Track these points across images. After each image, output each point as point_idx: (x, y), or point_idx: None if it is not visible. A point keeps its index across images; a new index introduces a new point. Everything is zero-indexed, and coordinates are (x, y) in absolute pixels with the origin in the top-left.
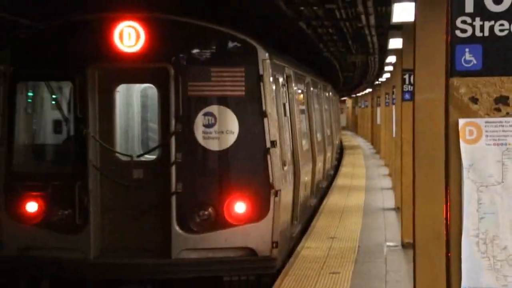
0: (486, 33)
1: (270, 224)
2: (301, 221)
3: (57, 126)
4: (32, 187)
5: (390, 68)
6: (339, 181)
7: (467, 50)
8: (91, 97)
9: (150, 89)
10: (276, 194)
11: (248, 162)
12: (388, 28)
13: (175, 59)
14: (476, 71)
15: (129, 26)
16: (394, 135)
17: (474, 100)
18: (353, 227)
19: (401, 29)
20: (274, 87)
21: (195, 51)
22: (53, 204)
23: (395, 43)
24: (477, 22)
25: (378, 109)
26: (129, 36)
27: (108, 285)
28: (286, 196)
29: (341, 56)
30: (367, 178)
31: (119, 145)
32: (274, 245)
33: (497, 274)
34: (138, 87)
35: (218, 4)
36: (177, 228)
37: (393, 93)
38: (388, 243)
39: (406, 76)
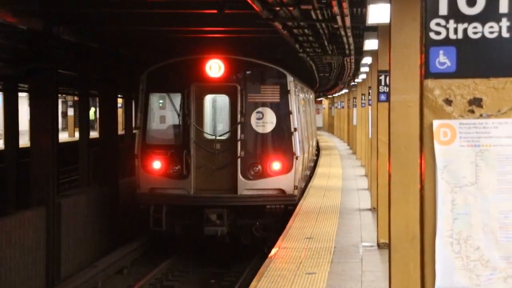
0: (460, 36)
1: (293, 175)
2: (305, 178)
3: (174, 117)
4: (157, 152)
5: (366, 69)
6: (316, 181)
7: (441, 52)
8: (192, 102)
9: (222, 97)
10: (296, 158)
11: (281, 139)
12: (364, 30)
13: (241, 81)
14: (450, 73)
15: (215, 62)
16: (370, 136)
17: (448, 102)
18: (329, 228)
19: (376, 30)
20: (294, 96)
21: (251, 76)
22: (170, 162)
23: (371, 44)
24: (451, 24)
25: (354, 110)
26: (214, 68)
27: (202, 209)
28: (301, 160)
29: (317, 57)
30: (343, 179)
31: (207, 129)
32: (295, 187)
33: (470, 274)
34: (215, 97)
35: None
36: (241, 176)
37: (369, 94)
38: (364, 244)
39: (382, 77)
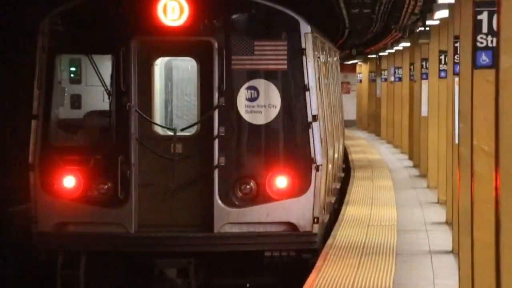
0: None
1: (311, 199)
2: (330, 210)
3: (99, 98)
4: (69, 160)
5: None
6: (343, 235)
7: None
8: (134, 71)
9: (184, 62)
10: (317, 169)
11: (290, 136)
12: None
13: (219, 32)
14: None
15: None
16: (456, 140)
17: None
18: None
19: None
20: (313, 60)
21: (238, 23)
22: (93, 177)
23: None
24: None
25: (424, 86)
26: (172, 10)
27: (150, 260)
28: (324, 173)
29: None
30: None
31: (159, 119)
32: (315, 220)
33: None
34: (174, 61)
35: None
36: (219, 201)
37: (455, 51)
38: None
39: (483, 16)
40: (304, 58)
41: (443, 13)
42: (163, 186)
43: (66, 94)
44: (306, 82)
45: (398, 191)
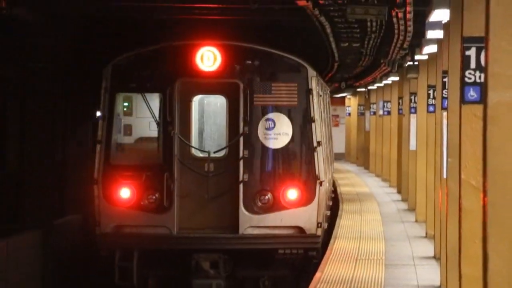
0: None
1: (316, 207)
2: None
3: (150, 127)
4: (126, 176)
5: (438, 34)
6: (331, 269)
7: None
8: (177, 105)
9: (216, 99)
10: (320, 184)
11: (299, 158)
12: None
13: (244, 76)
14: None
15: (209, 50)
16: (445, 175)
17: None
18: None
19: None
20: (317, 98)
21: (258, 69)
22: (144, 190)
23: None
24: None
25: (413, 119)
26: (208, 59)
27: (189, 255)
28: (325, 188)
29: (335, 8)
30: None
31: (197, 143)
32: (318, 225)
33: None
34: (208, 98)
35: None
36: (243, 209)
37: (443, 86)
38: None
39: (471, 52)
40: (310, 96)
41: (432, 48)
42: (198, 197)
43: (117, 124)
44: (312, 115)
45: (386, 225)
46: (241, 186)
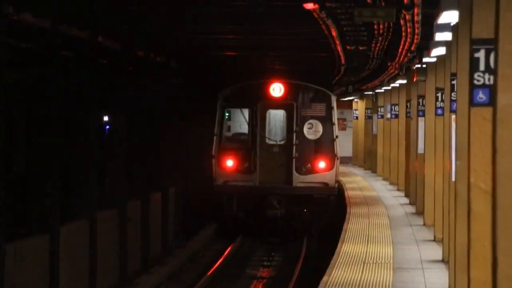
0: None
1: (334, 172)
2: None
3: (244, 127)
4: (230, 153)
5: (446, 36)
6: (338, 273)
7: None
8: (259, 115)
9: (280, 111)
10: (337, 159)
11: (326, 144)
12: None
13: (296, 99)
14: None
15: (277, 85)
16: (453, 178)
17: None
18: None
19: None
20: (336, 111)
21: (304, 96)
22: (240, 161)
23: None
24: None
25: (421, 122)
26: (277, 90)
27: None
28: (338, 162)
29: (342, 11)
30: None
31: (270, 136)
32: (336, 181)
33: None
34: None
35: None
36: (295, 172)
37: (452, 88)
38: None
39: (480, 54)
40: (332, 110)
41: (440, 51)
42: (270, 165)
43: (225, 125)
44: (333, 120)
45: (394, 229)
46: (293, 160)
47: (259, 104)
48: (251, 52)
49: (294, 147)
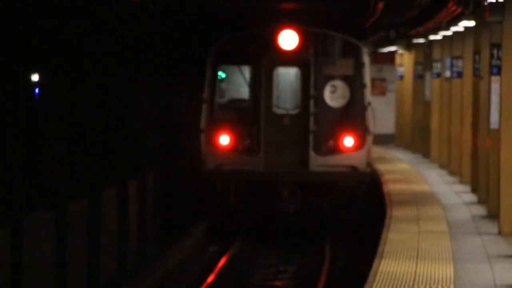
0: None
1: (366, 152)
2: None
3: (238, 91)
4: (225, 127)
5: None
6: None
7: None
8: (263, 75)
9: (292, 70)
10: (369, 134)
11: (354, 114)
12: None
13: (314, 53)
14: None
15: (288, 33)
16: None
17: None
18: None
19: None
20: (369, 69)
21: (325, 48)
22: (238, 137)
23: None
24: None
25: (495, 84)
26: (289, 39)
27: (272, 185)
28: (371, 137)
29: None
30: None
31: (278, 103)
32: (368, 164)
33: None
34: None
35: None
36: (312, 152)
37: None
38: None
39: None
40: (363, 68)
41: None
42: (278, 143)
43: (218, 88)
44: (364, 82)
45: (456, 239)
46: (311, 135)
47: (263, 59)
48: None
49: (312, 117)
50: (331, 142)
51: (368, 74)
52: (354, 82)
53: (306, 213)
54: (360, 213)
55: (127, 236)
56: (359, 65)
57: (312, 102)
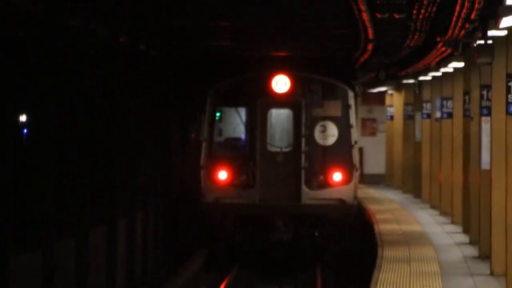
0: None
1: (353, 186)
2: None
3: (240, 130)
4: (223, 163)
5: None
6: None
7: None
8: (258, 116)
9: (285, 111)
10: (356, 170)
11: (342, 152)
12: None
13: (305, 96)
14: None
15: (281, 77)
16: None
17: None
18: None
19: None
20: (354, 111)
21: (315, 91)
22: (236, 172)
23: None
24: None
25: (485, 124)
26: (282, 84)
27: (267, 217)
28: (357, 173)
29: None
30: None
31: (272, 141)
32: (354, 198)
33: None
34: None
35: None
36: (304, 186)
37: None
38: None
39: None
40: (350, 110)
41: None
42: (273, 178)
43: (216, 128)
44: (351, 122)
45: (447, 280)
46: (302, 171)
47: (258, 101)
48: (249, 22)
49: (303, 155)
50: (321, 177)
51: (354, 115)
52: (342, 123)
53: (299, 243)
54: (348, 243)
55: (114, 274)
56: (346, 107)
57: (303, 141)
